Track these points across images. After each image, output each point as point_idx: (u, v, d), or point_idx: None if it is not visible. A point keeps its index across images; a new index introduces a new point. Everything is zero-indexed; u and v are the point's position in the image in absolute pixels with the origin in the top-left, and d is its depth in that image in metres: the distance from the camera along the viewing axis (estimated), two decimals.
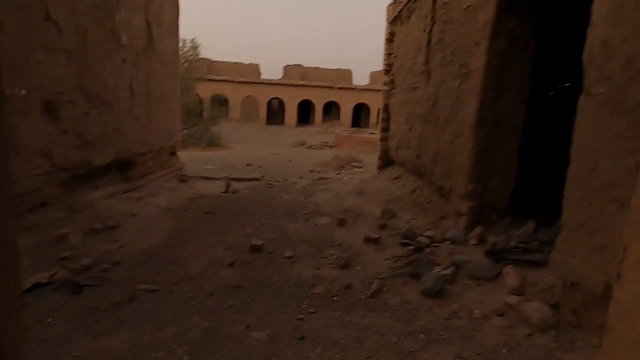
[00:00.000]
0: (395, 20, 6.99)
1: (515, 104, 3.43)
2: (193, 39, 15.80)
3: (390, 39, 7.29)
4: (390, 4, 7.17)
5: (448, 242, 3.54)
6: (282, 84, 28.94)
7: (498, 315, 2.25)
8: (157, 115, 6.08)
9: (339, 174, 8.96)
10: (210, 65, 28.59)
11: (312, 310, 2.35)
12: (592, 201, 1.99)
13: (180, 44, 8.30)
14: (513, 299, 2.34)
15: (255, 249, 3.56)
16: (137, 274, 2.90)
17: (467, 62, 3.72)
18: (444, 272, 2.82)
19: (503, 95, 3.40)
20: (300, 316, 2.25)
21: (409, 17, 6.14)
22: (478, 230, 3.46)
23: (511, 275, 2.62)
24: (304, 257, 3.47)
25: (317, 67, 33.30)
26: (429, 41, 5.02)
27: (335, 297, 2.64)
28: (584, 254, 2.06)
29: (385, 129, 7.57)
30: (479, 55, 3.43)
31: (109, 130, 4.67)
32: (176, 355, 1.80)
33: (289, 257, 3.43)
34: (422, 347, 1.89)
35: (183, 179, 6.85)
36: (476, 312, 2.32)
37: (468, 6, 3.75)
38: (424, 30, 5.19)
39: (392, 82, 7.28)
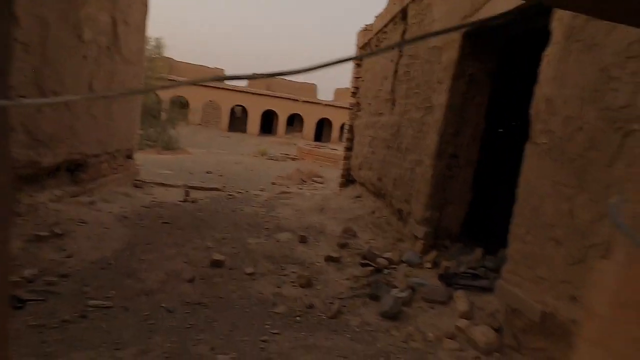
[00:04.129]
0: (364, 47, 7.32)
1: (471, 140, 3.75)
2: (158, 38, 15.28)
3: (358, 64, 7.60)
4: (361, 31, 7.51)
5: (405, 264, 3.73)
6: (247, 92, 28.68)
7: (449, 338, 2.43)
8: (116, 115, 5.79)
9: (300, 188, 9.03)
10: (173, 65, 27.64)
11: (276, 331, 2.37)
12: (534, 238, 2.25)
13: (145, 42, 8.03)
14: (463, 323, 2.54)
15: (216, 264, 3.50)
16: (88, 288, 2.73)
17: (430, 97, 4.01)
18: (400, 295, 2.97)
19: (461, 131, 3.72)
20: (265, 337, 2.26)
21: (377, 46, 6.48)
22: (433, 254, 3.69)
23: (461, 300, 2.83)
24: (265, 274, 3.48)
25: (283, 78, 33.48)
26: (396, 72, 5.33)
27: (298, 317, 2.67)
28: (525, 285, 2.31)
29: (348, 149, 7.81)
30: (441, 92, 3.73)
31: (63, 129, 4.38)
32: None
33: (250, 274, 3.41)
34: None
35: (138, 185, 6.53)
36: (430, 335, 2.48)
37: (434, 46, 4.08)
38: (392, 60, 5.51)
39: (358, 104, 7.57)
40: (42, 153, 4.01)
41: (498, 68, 3.88)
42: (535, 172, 2.29)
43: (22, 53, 3.51)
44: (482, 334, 2.37)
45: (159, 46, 14.95)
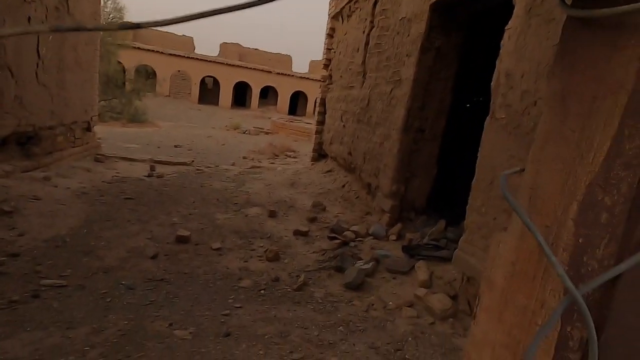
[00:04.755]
0: (336, 16, 7.10)
1: (437, 114, 3.78)
2: (115, 0, 14.15)
3: (330, 34, 7.39)
4: (333, 0, 7.25)
5: (371, 237, 3.81)
6: (219, 62, 27.48)
7: (408, 306, 2.53)
8: (70, 84, 5.39)
9: (273, 163, 8.93)
10: (137, 32, 25.90)
11: (239, 305, 2.38)
12: (488, 209, 2.33)
13: (101, 4, 7.45)
14: (421, 291, 2.65)
15: (182, 239, 3.44)
16: (40, 267, 2.61)
17: (399, 71, 3.98)
18: (365, 266, 3.05)
19: (428, 106, 3.73)
20: (227, 312, 2.26)
21: (349, 16, 6.29)
22: (398, 227, 3.78)
23: (422, 270, 2.94)
24: (233, 249, 3.45)
25: (256, 49, 32.28)
26: (367, 43, 5.22)
27: (262, 291, 2.69)
28: (479, 254, 2.42)
29: (320, 122, 7.73)
30: (409, 66, 3.69)
31: (8, 99, 4.04)
32: (88, 358, 1.70)
33: (217, 249, 3.38)
34: (341, 339, 2.05)
35: (99, 159, 6.22)
36: (390, 303, 2.57)
37: (403, 17, 4.00)
38: (363, 32, 5.38)
39: (330, 77, 7.42)
40: None
41: (466, 43, 3.87)
42: (493, 146, 2.35)
43: None
44: (438, 301, 2.49)
45: (118, 10, 13.86)
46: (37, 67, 4.53)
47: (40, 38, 4.53)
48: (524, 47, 2.16)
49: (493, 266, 0.42)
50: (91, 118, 6.37)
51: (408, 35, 3.84)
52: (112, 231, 3.45)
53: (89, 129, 6.34)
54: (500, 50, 2.36)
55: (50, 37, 4.76)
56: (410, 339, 2.13)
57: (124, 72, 16.42)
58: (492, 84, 2.41)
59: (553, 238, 0.39)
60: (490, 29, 4.03)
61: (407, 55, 3.81)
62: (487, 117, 2.46)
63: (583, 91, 0.37)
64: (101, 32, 6.92)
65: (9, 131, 4.10)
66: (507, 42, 2.30)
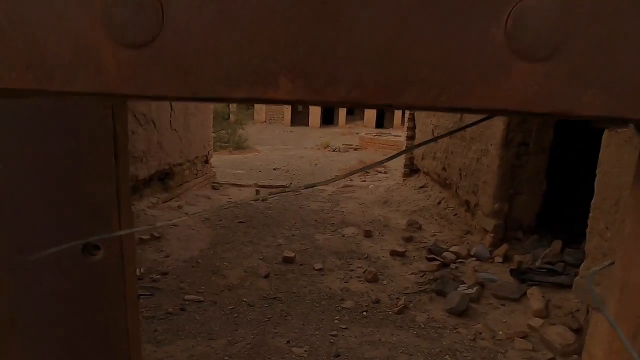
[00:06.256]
0: None
1: (542, 125, 3.48)
2: None
3: None
4: None
5: (473, 258, 3.65)
6: None
7: (521, 338, 2.37)
8: (193, 127, 6.46)
9: (364, 180, 9.10)
10: None
11: (344, 326, 2.56)
12: (614, 234, 2.08)
13: None
14: (536, 322, 2.45)
15: (288, 260, 3.80)
16: (183, 284, 3.20)
17: None
18: (469, 291, 2.95)
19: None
20: (334, 332, 2.46)
21: None
22: (503, 248, 3.55)
23: (535, 297, 2.72)
24: (333, 269, 3.68)
25: None
26: None
27: (364, 313, 2.83)
28: (606, 282, 2.16)
29: (410, 138, 7.65)
30: None
31: (152, 145, 5.06)
32: None
33: (319, 270, 3.64)
34: None
35: (215, 186, 7.23)
36: (500, 333, 2.44)
37: None
38: None
39: None
40: (138, 167, 4.71)
41: None
42: (615, 162, 2.10)
43: None
44: (557, 334, 2.28)
45: None
46: (170, 116, 5.57)
47: None
48: None
49: (592, 341, 0.46)
50: (208, 152, 7.48)
51: None
52: (231, 252, 4.00)
53: (206, 161, 7.44)
54: None
55: None
56: None
57: (228, 106, 18.69)
58: None
59: None
60: None
61: None
62: (605, 131, 2.22)
63: None
64: None
65: (154, 170, 5.12)
66: None
